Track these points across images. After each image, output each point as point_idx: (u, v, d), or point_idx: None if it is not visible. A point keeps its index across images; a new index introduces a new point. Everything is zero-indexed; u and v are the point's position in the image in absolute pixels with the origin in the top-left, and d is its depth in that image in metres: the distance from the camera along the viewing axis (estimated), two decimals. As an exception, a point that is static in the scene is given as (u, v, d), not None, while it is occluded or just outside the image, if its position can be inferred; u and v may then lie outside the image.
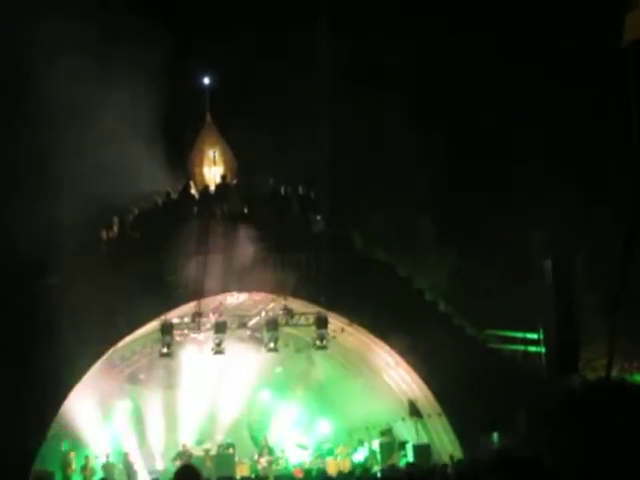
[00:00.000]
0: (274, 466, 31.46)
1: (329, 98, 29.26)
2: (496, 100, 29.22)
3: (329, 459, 31.89)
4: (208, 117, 33.58)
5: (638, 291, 24.82)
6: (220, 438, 32.92)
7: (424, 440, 29.73)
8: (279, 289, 28.59)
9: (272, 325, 28.95)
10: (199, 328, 28.99)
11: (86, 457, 29.76)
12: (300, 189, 30.26)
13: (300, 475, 29.62)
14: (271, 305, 29.51)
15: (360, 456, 32.07)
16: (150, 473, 29.96)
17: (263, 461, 31.87)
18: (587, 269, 27.16)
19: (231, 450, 32.13)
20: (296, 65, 30.61)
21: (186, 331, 29.51)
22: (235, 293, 29.14)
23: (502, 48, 30.30)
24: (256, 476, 29.76)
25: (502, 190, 28.71)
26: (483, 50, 30.17)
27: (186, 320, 28.72)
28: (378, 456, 31.16)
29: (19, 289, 26.38)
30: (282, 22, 31.76)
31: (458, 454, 27.00)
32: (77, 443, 29.94)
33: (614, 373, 27.37)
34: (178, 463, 29.19)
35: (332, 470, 29.49)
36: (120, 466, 30.50)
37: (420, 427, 29.97)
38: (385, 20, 31.64)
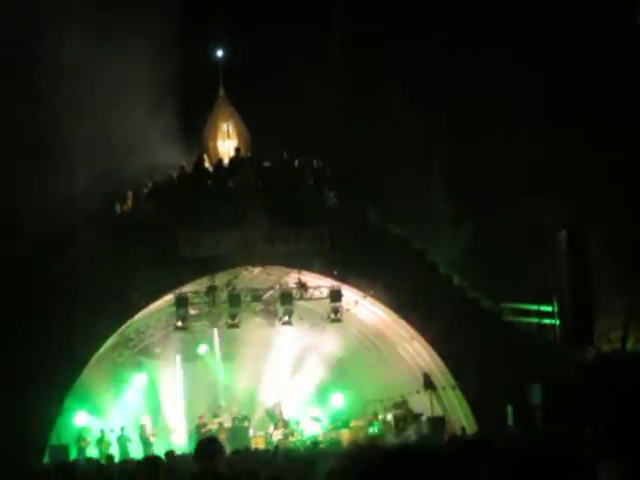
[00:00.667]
0: (289, 439, 31.56)
1: (344, 71, 29.20)
2: (511, 72, 29.09)
3: (343, 431, 31.98)
4: (221, 90, 33.51)
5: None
6: (235, 411, 33.05)
7: (439, 413, 29.78)
8: (293, 263, 28.61)
9: (286, 298, 28.97)
10: (213, 302, 29.03)
11: (102, 430, 29.92)
12: (315, 163, 30.20)
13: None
14: (285, 279, 29.52)
15: (374, 429, 32.13)
16: (165, 446, 30.13)
17: (278, 434, 31.98)
18: (603, 242, 27.07)
19: (246, 423, 32.30)
20: (310, 38, 30.52)
21: (201, 304, 29.54)
22: (249, 267, 29.15)
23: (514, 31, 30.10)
24: (270, 448, 29.86)
25: (516, 161, 28.58)
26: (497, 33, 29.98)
27: (200, 294, 28.76)
28: (392, 429, 31.22)
29: (36, 265, 26.48)
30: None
31: (472, 427, 27.04)
32: (93, 416, 30.09)
33: (629, 345, 27.39)
34: (195, 436, 29.40)
35: (346, 442, 29.60)
36: (135, 438, 30.65)
37: (434, 400, 30.01)
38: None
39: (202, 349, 33.58)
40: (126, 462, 20.68)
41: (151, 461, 10.53)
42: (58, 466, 14.33)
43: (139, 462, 13.56)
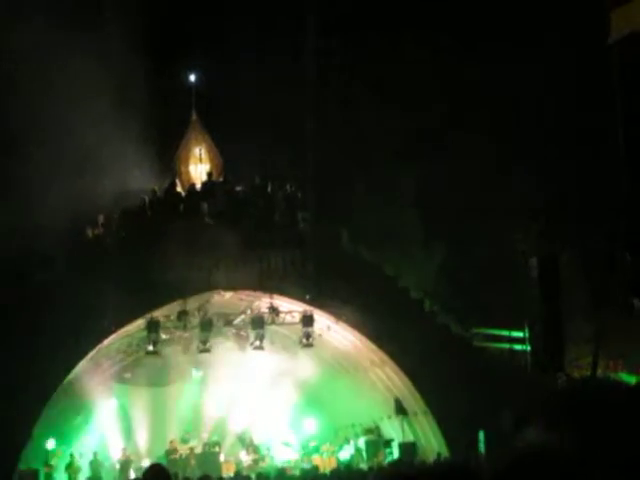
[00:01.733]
0: (259, 464, 31.43)
1: (314, 96, 29.28)
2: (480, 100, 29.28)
3: (315, 457, 31.88)
4: (194, 115, 33.54)
5: (622, 290, 24.94)
6: (206, 436, 32.91)
7: (410, 438, 29.77)
8: (265, 287, 28.58)
9: (258, 323, 28.91)
10: (185, 326, 28.94)
11: (71, 455, 29.69)
12: (287, 187, 30.25)
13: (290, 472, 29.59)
14: (257, 303, 29.48)
15: (346, 454, 32.06)
16: (136, 471, 29.90)
17: (249, 459, 31.85)
18: (573, 268, 27.24)
19: (217, 448, 32.14)
20: (281, 64, 30.63)
21: (172, 329, 29.43)
22: (221, 291, 29.09)
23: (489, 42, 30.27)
24: (240, 474, 29.72)
25: (488, 188, 28.72)
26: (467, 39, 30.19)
27: (172, 318, 28.67)
28: (364, 454, 31.17)
29: (2, 289, 26.29)
30: (267, 21, 31.76)
31: (444, 452, 27.05)
32: (63, 441, 29.86)
33: (599, 372, 27.50)
34: (165, 461, 29.20)
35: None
36: (107, 464, 30.44)
37: (406, 425, 30.00)
38: (361, 19, 31.65)
39: (172, 374, 33.39)
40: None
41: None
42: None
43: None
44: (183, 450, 31.71)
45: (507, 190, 28.51)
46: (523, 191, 28.51)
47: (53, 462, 28.92)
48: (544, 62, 28.92)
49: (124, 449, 31.06)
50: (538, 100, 29.42)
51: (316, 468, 26.52)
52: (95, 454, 30.11)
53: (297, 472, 28.69)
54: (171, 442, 31.92)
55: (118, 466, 29.37)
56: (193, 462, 31.01)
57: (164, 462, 29.72)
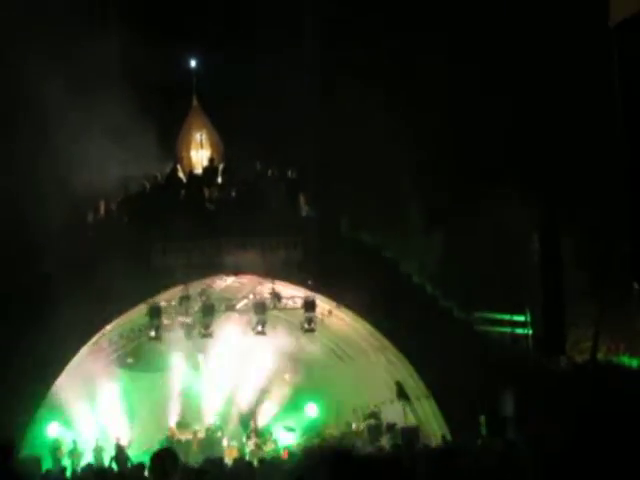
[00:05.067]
0: (262, 448, 31.49)
1: (316, 81, 29.25)
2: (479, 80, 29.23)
3: (317, 441, 31.93)
4: (195, 100, 33.49)
5: (623, 273, 24.95)
6: (208, 421, 32.97)
7: (413, 422, 29.82)
8: (266, 272, 28.59)
9: (260, 308, 28.93)
10: (187, 311, 28.98)
11: (74, 441, 29.75)
12: (288, 173, 30.23)
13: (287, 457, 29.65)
14: (259, 288, 29.51)
15: (348, 438, 32.09)
16: (137, 456, 29.95)
17: (251, 444, 31.91)
18: (575, 251, 27.25)
19: (219, 433, 32.20)
20: (282, 48, 30.56)
21: (174, 314, 29.47)
22: (223, 276, 29.12)
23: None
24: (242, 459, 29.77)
25: (489, 171, 28.71)
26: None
27: (174, 303, 28.71)
28: (366, 438, 31.21)
29: (6, 274, 26.30)
30: (269, 4, 31.68)
31: (446, 436, 27.10)
32: (65, 427, 29.93)
33: (600, 355, 27.55)
34: (168, 445, 29.27)
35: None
36: (109, 450, 30.49)
37: (408, 410, 30.05)
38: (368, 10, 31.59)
39: (176, 358, 33.42)
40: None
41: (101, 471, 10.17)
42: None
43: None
44: (185, 435, 31.76)
45: (509, 173, 28.51)
46: (525, 173, 28.51)
47: (57, 448, 28.97)
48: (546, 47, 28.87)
49: (121, 436, 31.00)
50: (538, 80, 29.36)
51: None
52: (97, 440, 30.14)
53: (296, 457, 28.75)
54: (172, 427, 31.98)
55: (117, 451, 29.34)
56: (195, 447, 31.06)
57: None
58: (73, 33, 24.97)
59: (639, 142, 17.30)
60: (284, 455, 28.63)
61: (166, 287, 27.95)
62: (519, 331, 28.74)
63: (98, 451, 29.74)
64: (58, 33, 24.91)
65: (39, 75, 24.54)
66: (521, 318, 28.25)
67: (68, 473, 25.27)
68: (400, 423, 30.01)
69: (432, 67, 29.62)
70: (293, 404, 34.54)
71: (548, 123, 29.09)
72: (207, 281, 28.99)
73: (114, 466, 27.29)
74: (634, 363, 26.95)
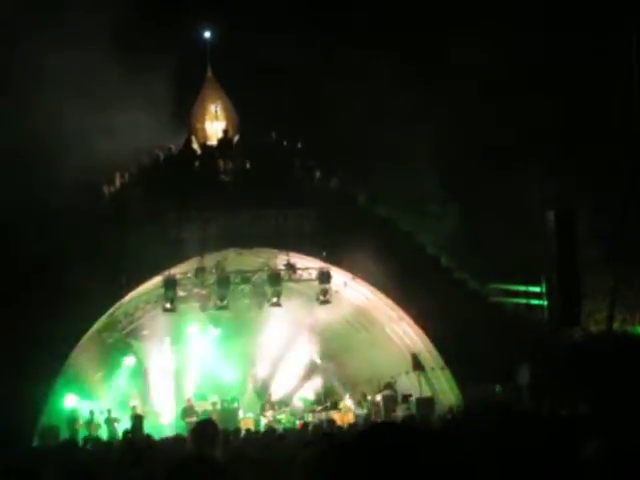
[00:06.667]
0: (278, 420, 31.59)
1: (331, 51, 29.10)
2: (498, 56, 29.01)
3: (333, 412, 32.02)
4: (209, 72, 33.41)
5: (638, 244, 24.85)
6: (224, 392, 33.07)
7: (428, 393, 29.88)
8: (281, 244, 28.60)
9: (275, 280, 28.96)
10: (202, 283, 29.03)
11: (91, 412, 29.89)
12: (302, 144, 30.17)
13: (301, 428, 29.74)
14: (273, 260, 29.52)
15: (364, 409, 32.19)
16: (152, 429, 30.09)
17: (268, 415, 32.01)
18: (589, 222, 27.15)
19: (236, 404, 32.30)
20: (299, 18, 30.45)
21: (189, 286, 29.53)
22: (238, 248, 29.14)
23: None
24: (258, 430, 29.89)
25: (504, 143, 28.56)
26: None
27: (189, 275, 28.76)
28: (382, 409, 31.29)
29: (22, 248, 26.37)
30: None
31: (461, 407, 27.13)
32: (82, 398, 30.07)
33: (616, 325, 27.50)
34: (187, 419, 29.38)
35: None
36: (124, 420, 30.61)
37: (423, 380, 30.11)
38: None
39: (192, 330, 33.53)
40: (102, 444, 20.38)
41: (132, 444, 10.25)
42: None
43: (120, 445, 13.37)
44: (202, 406, 31.86)
45: (524, 148, 28.37)
46: (540, 149, 28.37)
47: (74, 419, 29.11)
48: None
49: (135, 406, 31.07)
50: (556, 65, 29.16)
51: (333, 422, 26.62)
52: (109, 411, 30.20)
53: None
54: (189, 399, 32.09)
55: (134, 422, 29.46)
56: (213, 418, 31.17)
57: (181, 420, 30.01)
58: (88, 3, 24.92)
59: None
60: (299, 426, 28.74)
61: (181, 259, 28.00)
62: (534, 302, 28.70)
63: (110, 422, 29.84)
64: (74, 2, 24.88)
65: (55, 44, 24.48)
66: (536, 289, 28.20)
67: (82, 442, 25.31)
68: (415, 394, 30.07)
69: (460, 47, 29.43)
70: (309, 376, 34.63)
71: (567, 101, 28.86)
72: (222, 253, 29.01)
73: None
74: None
